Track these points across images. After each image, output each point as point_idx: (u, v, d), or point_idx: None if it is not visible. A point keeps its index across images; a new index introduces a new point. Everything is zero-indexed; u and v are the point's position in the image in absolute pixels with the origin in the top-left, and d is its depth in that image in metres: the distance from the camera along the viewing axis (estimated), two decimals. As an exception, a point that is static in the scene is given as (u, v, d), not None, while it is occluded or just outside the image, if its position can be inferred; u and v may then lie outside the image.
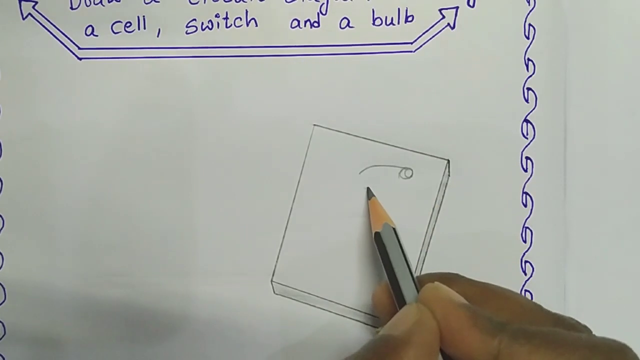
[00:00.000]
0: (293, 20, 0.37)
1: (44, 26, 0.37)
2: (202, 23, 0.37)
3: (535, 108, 0.37)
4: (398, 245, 0.33)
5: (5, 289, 0.37)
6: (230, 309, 0.37)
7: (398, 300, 0.31)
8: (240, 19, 0.37)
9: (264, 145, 0.37)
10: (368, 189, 0.37)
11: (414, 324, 0.27)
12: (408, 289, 0.31)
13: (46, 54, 0.37)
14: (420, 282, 0.31)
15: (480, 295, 0.30)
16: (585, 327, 0.28)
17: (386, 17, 0.37)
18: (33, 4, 0.37)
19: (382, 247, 0.33)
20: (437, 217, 0.37)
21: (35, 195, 0.37)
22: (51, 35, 0.37)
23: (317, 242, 0.37)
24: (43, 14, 0.37)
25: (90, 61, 0.37)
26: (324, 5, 0.37)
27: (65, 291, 0.37)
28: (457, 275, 0.32)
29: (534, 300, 0.35)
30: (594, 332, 0.28)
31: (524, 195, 0.37)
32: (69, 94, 0.37)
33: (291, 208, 0.37)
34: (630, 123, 0.37)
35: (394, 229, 0.34)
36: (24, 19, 0.37)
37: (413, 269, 0.32)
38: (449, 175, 0.37)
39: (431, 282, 0.30)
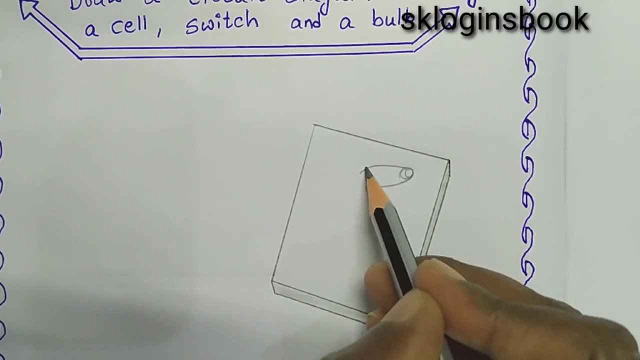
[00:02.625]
0: (293, 20, 0.37)
1: (44, 26, 0.37)
2: (203, 23, 0.37)
3: (536, 108, 0.37)
4: (399, 224, 0.33)
5: (5, 289, 0.37)
6: (230, 309, 0.37)
7: (399, 277, 0.31)
8: (241, 19, 0.37)
9: (264, 145, 0.37)
10: (366, 168, 0.37)
11: (419, 311, 0.27)
12: (411, 266, 0.31)
13: (47, 53, 0.37)
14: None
15: (473, 279, 0.29)
16: (577, 312, 0.28)
17: (386, 17, 0.37)
18: (34, 3, 0.37)
19: (384, 223, 0.33)
20: (437, 217, 0.37)
21: (35, 195, 0.37)
22: (52, 35, 0.37)
23: (317, 242, 0.37)
24: (44, 14, 0.37)
25: (91, 61, 0.37)
26: (325, 5, 0.37)
27: (65, 291, 0.37)
28: (449, 259, 0.31)
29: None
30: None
31: (524, 195, 0.37)
32: (70, 94, 0.37)
33: (291, 208, 0.37)
34: (630, 123, 0.37)
35: (394, 208, 0.34)
36: (24, 18, 0.37)
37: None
38: (449, 175, 0.37)
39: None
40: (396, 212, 0.34)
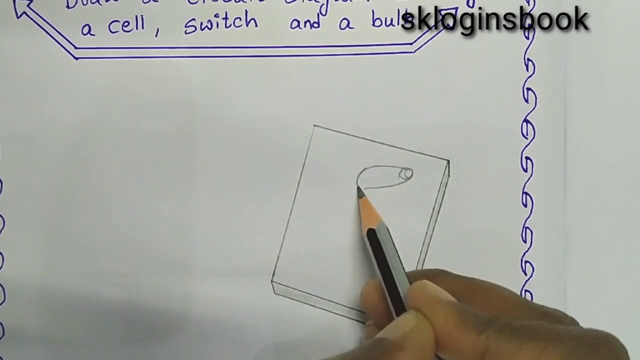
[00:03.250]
0: (293, 20, 0.37)
1: (39, 25, 0.37)
2: (202, 23, 0.37)
3: (535, 108, 0.37)
4: (392, 243, 0.33)
5: (5, 289, 0.37)
6: (230, 309, 0.37)
7: (392, 297, 0.32)
8: (240, 19, 0.37)
9: (264, 146, 0.37)
10: (358, 187, 0.37)
11: (410, 330, 0.28)
12: (403, 285, 0.31)
13: (42, 53, 0.37)
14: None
15: (466, 291, 0.30)
16: (572, 319, 0.29)
17: (386, 18, 0.37)
18: (28, 2, 0.37)
19: (376, 244, 0.33)
20: (437, 218, 0.37)
21: (35, 195, 0.37)
22: (47, 35, 0.37)
23: (317, 242, 0.37)
24: (38, 13, 0.37)
25: (87, 61, 0.37)
26: (324, 6, 0.37)
27: (65, 291, 0.37)
28: (442, 271, 0.32)
29: (534, 300, 0.36)
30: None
31: (524, 195, 0.37)
32: (66, 94, 0.37)
33: (291, 208, 0.37)
34: (630, 123, 0.38)
35: (386, 228, 0.34)
36: (18, 17, 0.37)
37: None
38: (449, 175, 0.37)
39: (418, 279, 0.30)
40: (388, 231, 0.34)
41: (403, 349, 0.27)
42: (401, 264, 0.32)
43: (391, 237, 0.33)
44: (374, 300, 0.33)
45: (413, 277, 0.31)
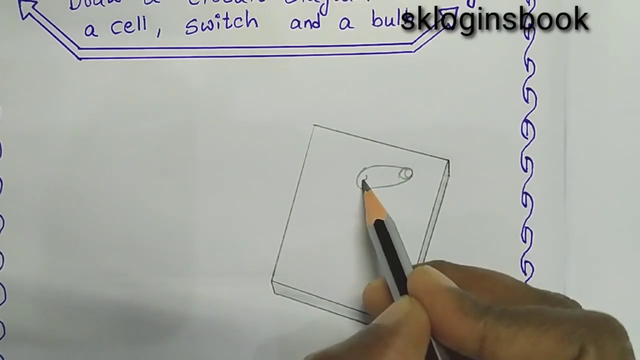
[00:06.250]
0: (293, 20, 0.37)
1: (43, 26, 0.37)
2: (202, 23, 0.37)
3: (535, 108, 0.37)
4: (399, 235, 0.33)
5: (5, 289, 0.37)
6: (230, 309, 0.37)
7: (401, 288, 0.31)
8: (241, 19, 0.37)
9: (264, 146, 0.37)
10: (364, 181, 0.37)
11: (404, 315, 0.28)
12: None
13: (46, 54, 0.37)
14: None
15: (466, 280, 0.30)
16: (573, 301, 0.29)
17: (386, 18, 0.37)
18: (33, 3, 0.37)
19: (384, 235, 0.33)
20: (437, 217, 0.37)
21: (35, 195, 0.37)
22: (51, 35, 0.37)
23: (317, 242, 0.37)
24: (43, 14, 0.37)
25: (90, 61, 0.37)
26: (324, 6, 0.37)
27: (65, 291, 0.37)
28: (442, 262, 0.32)
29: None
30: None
31: (524, 195, 0.37)
32: (69, 94, 0.37)
33: (291, 208, 0.37)
34: (630, 123, 0.38)
35: (393, 222, 0.34)
36: (23, 18, 0.37)
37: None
38: (448, 175, 0.37)
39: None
40: (394, 225, 0.34)
41: (397, 333, 0.27)
42: (407, 256, 0.32)
43: (397, 231, 0.33)
44: (377, 299, 0.33)
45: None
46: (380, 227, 0.33)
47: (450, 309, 0.27)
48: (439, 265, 0.31)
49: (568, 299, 0.29)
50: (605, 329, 0.25)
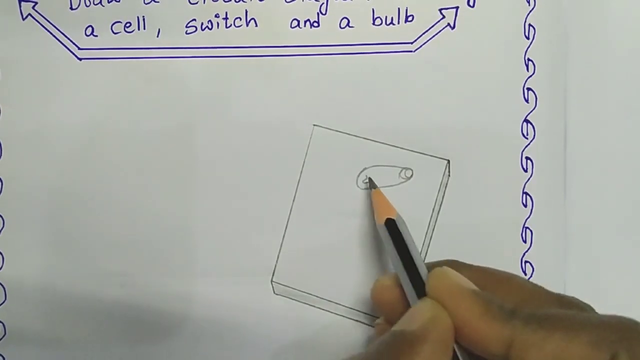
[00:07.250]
0: (293, 20, 0.37)
1: (43, 26, 0.37)
2: (202, 23, 0.37)
3: (535, 108, 0.37)
4: (410, 235, 0.33)
5: (6, 289, 0.38)
6: (230, 309, 0.37)
7: (416, 287, 0.30)
8: (240, 19, 0.37)
9: (264, 145, 0.37)
10: (370, 179, 0.36)
11: (429, 320, 0.27)
12: (424, 276, 0.30)
13: (46, 54, 0.37)
14: None
15: (480, 280, 0.29)
16: (587, 305, 0.28)
17: (386, 17, 0.37)
18: (33, 4, 0.37)
19: (397, 234, 0.32)
20: (437, 217, 0.37)
21: (35, 195, 0.37)
22: (51, 36, 0.37)
23: (317, 242, 0.37)
24: (43, 15, 0.37)
25: (90, 61, 0.37)
26: (324, 5, 0.37)
27: (65, 291, 0.37)
28: (454, 261, 0.31)
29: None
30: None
31: (524, 195, 0.37)
32: (69, 94, 0.37)
33: (291, 208, 0.37)
34: (630, 123, 0.37)
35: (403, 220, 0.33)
36: (23, 19, 0.37)
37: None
38: (449, 176, 0.37)
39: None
40: (405, 224, 0.33)
41: (425, 340, 0.26)
42: (420, 254, 0.32)
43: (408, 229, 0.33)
44: (389, 298, 0.31)
45: (429, 269, 0.30)
46: (392, 226, 0.33)
47: (476, 313, 0.26)
48: (454, 264, 0.30)
49: (582, 302, 0.28)
50: (636, 334, 0.25)
